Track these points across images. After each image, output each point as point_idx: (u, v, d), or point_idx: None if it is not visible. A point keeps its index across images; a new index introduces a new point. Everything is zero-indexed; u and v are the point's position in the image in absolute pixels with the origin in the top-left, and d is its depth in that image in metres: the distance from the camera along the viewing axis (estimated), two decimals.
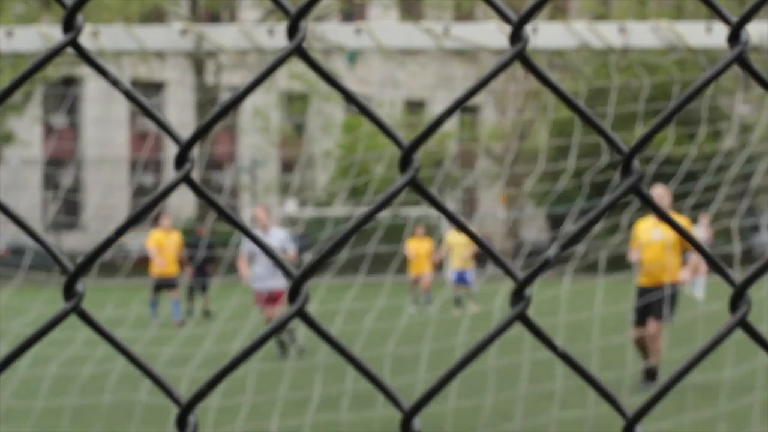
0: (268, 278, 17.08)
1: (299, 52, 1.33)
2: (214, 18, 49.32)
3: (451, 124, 52.59)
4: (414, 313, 25.05)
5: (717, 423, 11.04)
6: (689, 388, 12.31)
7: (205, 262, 26.41)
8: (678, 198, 15.81)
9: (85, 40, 8.94)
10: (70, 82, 54.23)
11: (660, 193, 13.27)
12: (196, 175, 1.32)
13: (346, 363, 1.36)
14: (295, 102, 53.70)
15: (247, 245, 17.55)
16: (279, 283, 16.98)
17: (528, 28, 1.37)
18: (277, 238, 17.43)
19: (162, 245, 24.12)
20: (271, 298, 17.05)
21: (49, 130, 56.70)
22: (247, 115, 55.30)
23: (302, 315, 1.34)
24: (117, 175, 58.10)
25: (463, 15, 51.00)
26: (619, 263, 16.88)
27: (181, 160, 1.31)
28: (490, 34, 9.08)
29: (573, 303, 15.95)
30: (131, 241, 34.72)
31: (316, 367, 13.87)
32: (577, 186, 18.31)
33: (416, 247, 28.30)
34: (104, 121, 57.04)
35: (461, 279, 26.92)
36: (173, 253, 24.32)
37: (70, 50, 1.34)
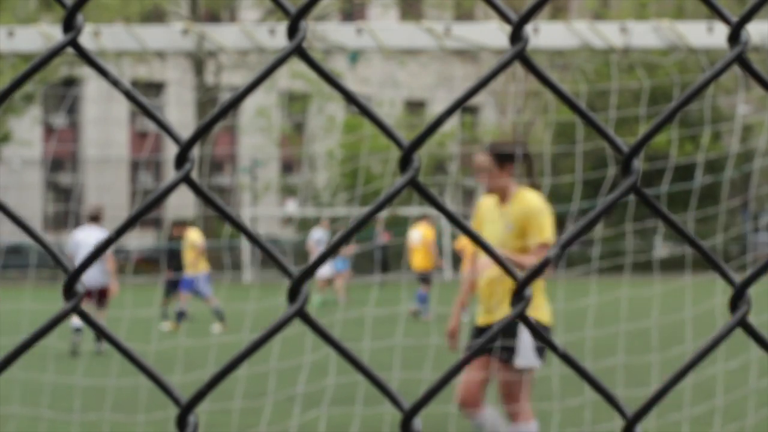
0: None
1: (299, 52, 1.33)
2: (214, 18, 49.33)
3: (452, 125, 52.56)
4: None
5: (713, 417, 11.05)
6: (686, 385, 12.31)
7: (180, 262, 25.94)
8: (677, 197, 15.77)
9: (85, 40, 8.93)
10: (70, 82, 54.24)
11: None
12: (197, 178, 1.32)
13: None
14: (296, 101, 53.69)
15: None
16: None
17: (528, 28, 1.37)
18: None
19: (427, 239, 25.48)
20: None
21: (49, 130, 56.70)
22: (248, 115, 55.30)
23: (302, 315, 1.34)
24: (117, 175, 58.11)
25: (464, 15, 51.00)
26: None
27: (181, 160, 1.31)
28: (491, 34, 9.08)
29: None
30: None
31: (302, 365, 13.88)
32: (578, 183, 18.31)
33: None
34: (104, 121, 57.05)
35: (189, 286, 22.40)
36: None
37: (70, 50, 1.34)
